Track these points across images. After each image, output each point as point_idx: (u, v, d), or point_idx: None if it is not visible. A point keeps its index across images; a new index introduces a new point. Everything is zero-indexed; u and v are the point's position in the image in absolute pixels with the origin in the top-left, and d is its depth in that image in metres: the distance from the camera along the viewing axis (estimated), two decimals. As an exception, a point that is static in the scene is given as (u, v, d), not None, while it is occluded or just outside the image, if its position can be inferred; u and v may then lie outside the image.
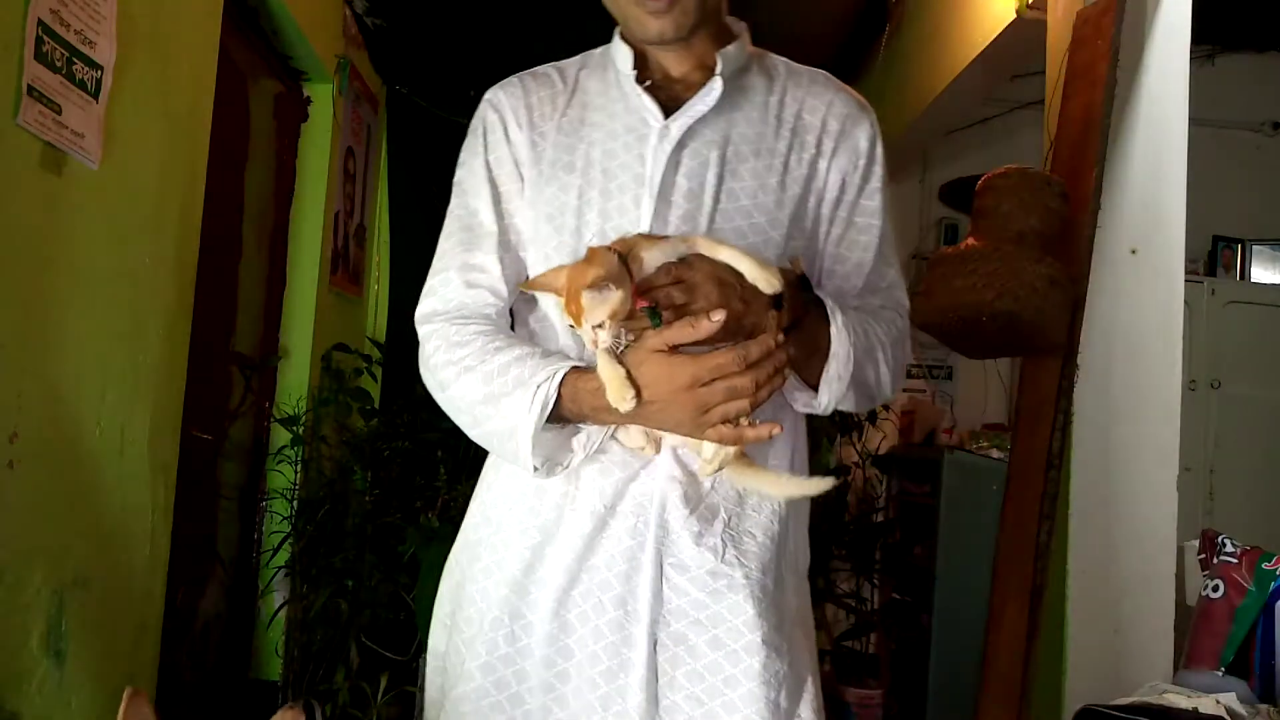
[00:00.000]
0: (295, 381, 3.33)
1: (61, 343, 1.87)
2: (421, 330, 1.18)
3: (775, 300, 1.01)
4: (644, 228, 1.10)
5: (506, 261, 1.16)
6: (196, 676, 2.90)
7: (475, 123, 1.24)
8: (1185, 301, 1.92)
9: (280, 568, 3.15)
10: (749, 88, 1.18)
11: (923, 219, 4.55)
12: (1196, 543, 1.84)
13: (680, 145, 1.13)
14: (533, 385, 1.03)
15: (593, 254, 0.98)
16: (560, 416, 1.05)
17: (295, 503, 3.18)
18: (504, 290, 1.15)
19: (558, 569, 1.10)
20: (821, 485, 1.06)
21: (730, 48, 1.17)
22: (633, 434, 1.08)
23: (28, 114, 1.68)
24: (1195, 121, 1.97)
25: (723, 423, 0.98)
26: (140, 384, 2.17)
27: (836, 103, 1.21)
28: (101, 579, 2.03)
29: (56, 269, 1.84)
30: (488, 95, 1.24)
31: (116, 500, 2.10)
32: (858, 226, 1.20)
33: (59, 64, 1.77)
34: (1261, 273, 4.37)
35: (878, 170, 1.22)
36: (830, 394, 1.10)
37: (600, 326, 0.96)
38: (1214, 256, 4.33)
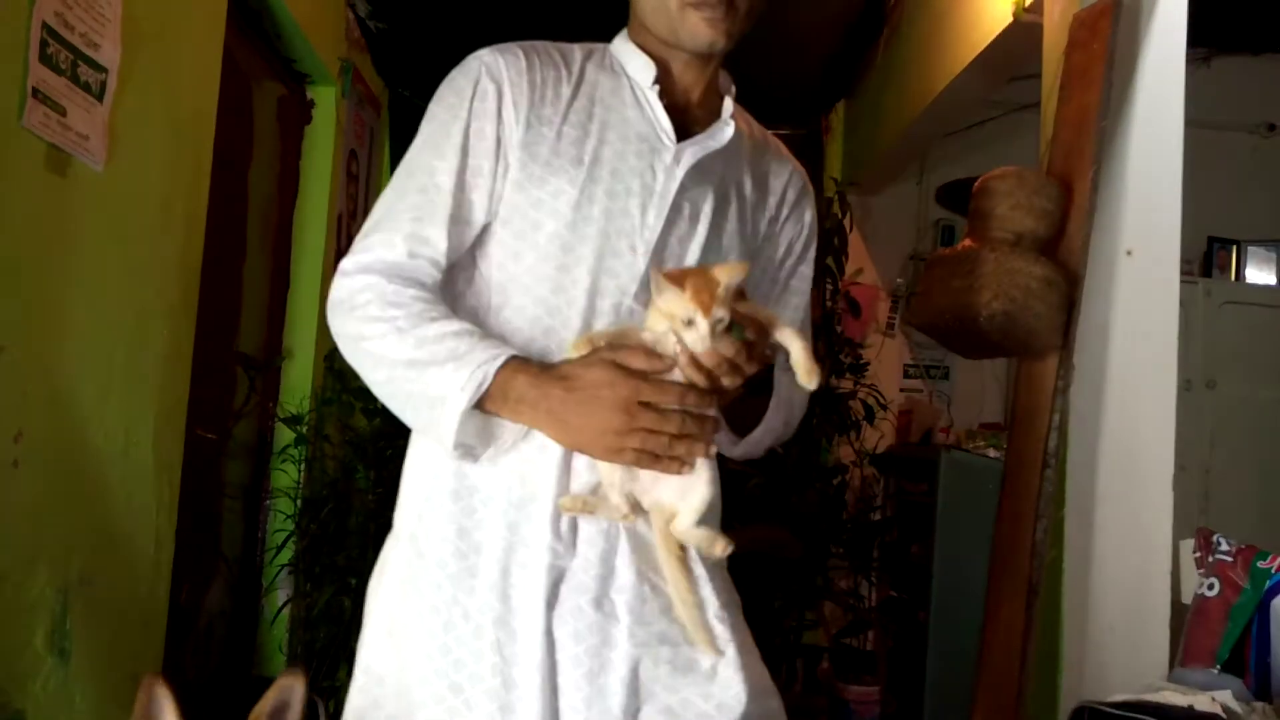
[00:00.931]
0: (299, 381, 3.35)
1: (66, 343, 1.88)
2: (351, 279, 1.16)
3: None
4: (652, 237, 1.12)
5: (454, 235, 1.12)
6: (200, 674, 2.91)
7: (462, 81, 1.15)
8: (1181, 302, 1.93)
9: (284, 566, 3.17)
10: (738, 136, 1.20)
11: (920, 220, 4.56)
12: (1192, 541, 1.85)
13: (688, 171, 1.15)
14: (472, 363, 1.02)
15: (708, 271, 1.03)
16: (481, 403, 1.03)
17: (299, 501, 3.19)
18: (444, 264, 1.12)
19: (538, 572, 1.07)
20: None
21: (728, 96, 1.22)
22: (612, 501, 1.08)
23: (33, 116, 1.70)
24: (1191, 123, 1.98)
25: (635, 455, 1.02)
26: (145, 384, 2.19)
27: (794, 178, 1.29)
28: (106, 577, 2.05)
29: (61, 270, 1.85)
30: (484, 57, 1.16)
31: (121, 499, 2.12)
32: (791, 289, 1.29)
33: (64, 66, 1.78)
34: (1257, 274, 4.38)
35: (813, 244, 1.31)
36: (747, 449, 1.24)
37: (719, 322, 1.00)
38: (1209, 258, 4.34)
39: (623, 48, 1.21)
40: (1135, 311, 1.91)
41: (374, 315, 1.10)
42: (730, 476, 3.87)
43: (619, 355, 1.03)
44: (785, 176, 1.27)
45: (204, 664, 2.94)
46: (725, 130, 1.17)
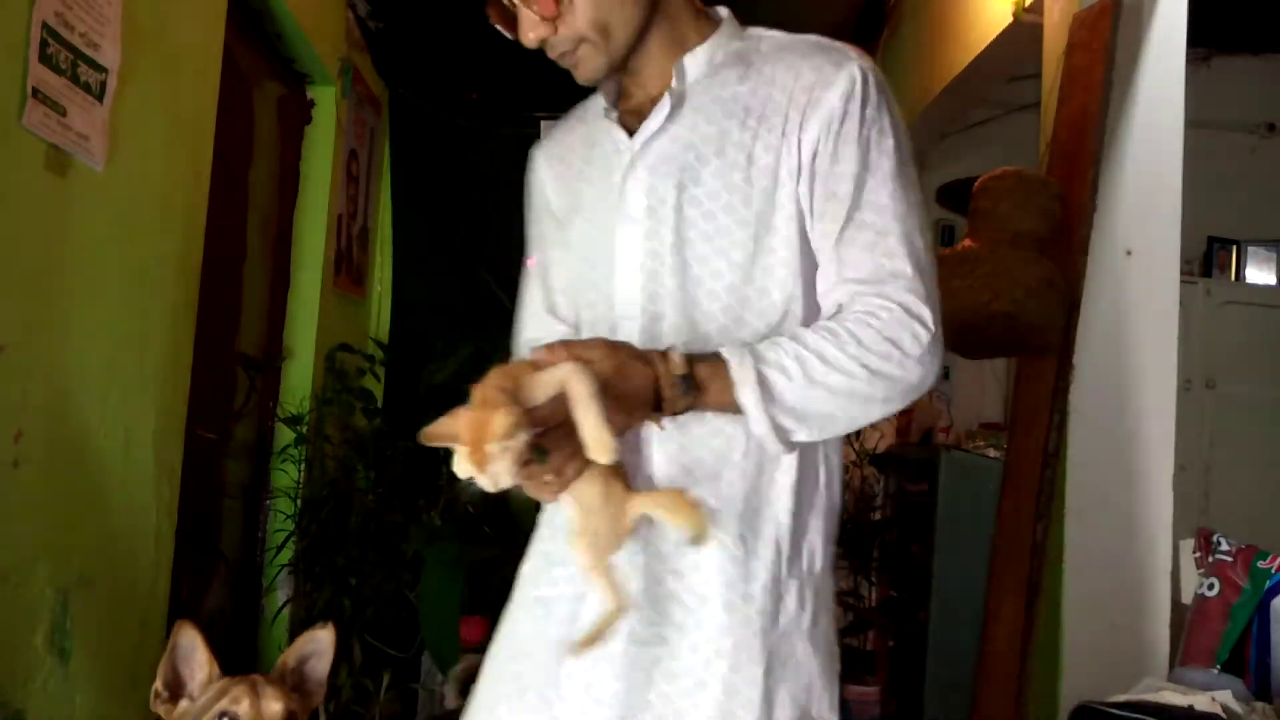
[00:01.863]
0: (299, 381, 3.35)
1: (66, 343, 1.88)
2: None
3: (656, 400, 0.98)
4: (618, 253, 1.11)
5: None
6: (199, 674, 2.91)
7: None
8: (1180, 302, 1.93)
9: (284, 566, 3.17)
10: (720, 82, 1.11)
11: (921, 220, 4.56)
12: (1192, 541, 1.85)
13: (642, 163, 1.11)
14: None
15: (483, 396, 0.98)
16: None
17: (299, 501, 3.20)
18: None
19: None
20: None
21: (697, 50, 1.12)
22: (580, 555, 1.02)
23: (32, 116, 1.70)
24: (1191, 123, 1.98)
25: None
26: (145, 384, 2.19)
27: (806, 70, 1.08)
28: (106, 577, 2.05)
29: (61, 270, 1.85)
30: (532, 156, 1.33)
31: (121, 499, 2.12)
32: (840, 181, 1.05)
33: (64, 66, 1.78)
34: (1256, 273, 4.38)
35: (853, 127, 1.05)
36: (773, 439, 1.01)
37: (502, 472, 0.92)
38: (1209, 257, 4.34)
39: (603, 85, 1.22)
40: (1135, 311, 1.91)
41: None
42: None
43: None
44: (791, 81, 1.08)
45: (204, 664, 2.94)
46: (662, 109, 1.10)
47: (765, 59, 1.12)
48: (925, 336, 1.04)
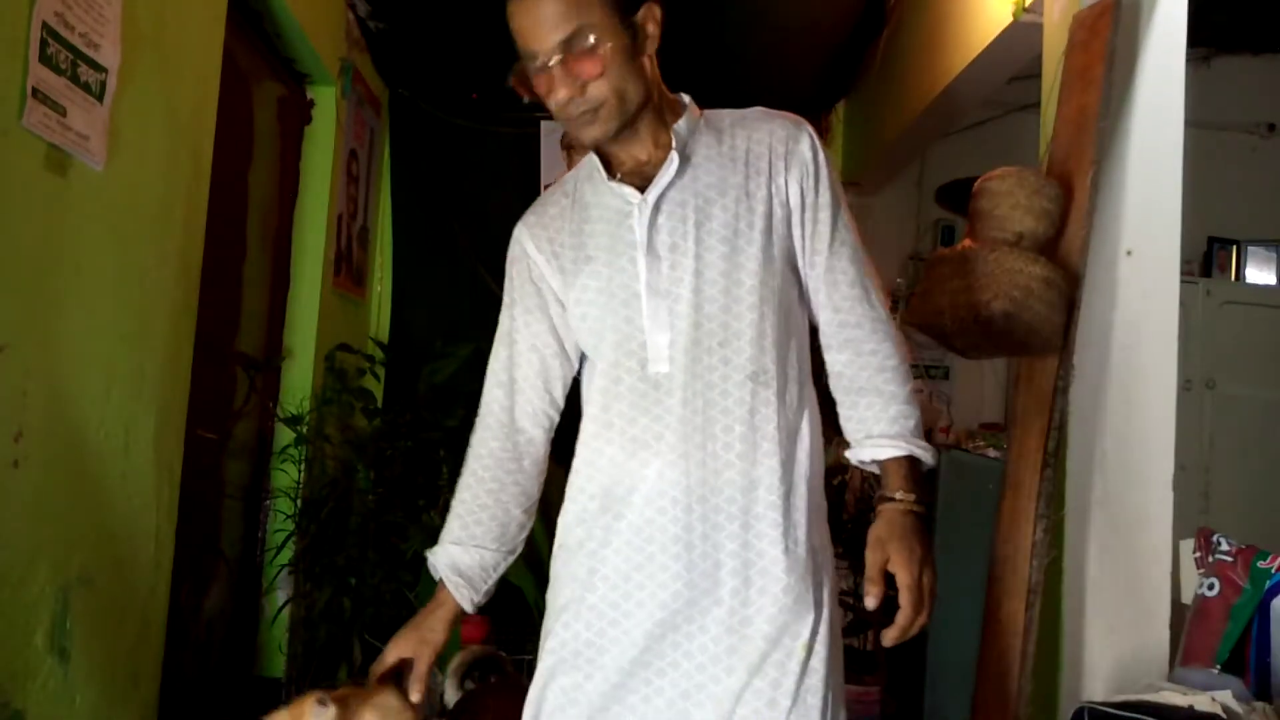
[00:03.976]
0: (299, 381, 3.35)
1: (66, 342, 1.88)
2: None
3: None
4: (641, 284, 1.36)
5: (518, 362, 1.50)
6: (200, 674, 2.92)
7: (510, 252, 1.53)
8: (1181, 302, 1.93)
9: (284, 566, 3.17)
10: (704, 144, 1.41)
11: (920, 220, 4.57)
12: (1192, 541, 1.86)
13: (657, 211, 1.37)
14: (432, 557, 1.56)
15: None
16: None
17: (299, 501, 3.20)
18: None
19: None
20: None
21: (680, 123, 1.40)
22: None
23: (32, 116, 1.70)
24: (1191, 123, 1.98)
25: None
26: (145, 383, 2.19)
27: (776, 128, 1.41)
28: (106, 577, 2.05)
29: (61, 270, 1.85)
30: (515, 233, 1.52)
31: (121, 499, 2.12)
32: (820, 221, 1.40)
33: (64, 66, 1.78)
34: (1256, 273, 4.38)
35: (823, 174, 1.41)
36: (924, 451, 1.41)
37: None
38: (1209, 257, 4.34)
39: (590, 157, 1.46)
40: (1135, 311, 1.91)
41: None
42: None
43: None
44: (767, 136, 1.40)
45: (204, 664, 2.94)
46: (670, 163, 1.37)
47: (733, 126, 1.43)
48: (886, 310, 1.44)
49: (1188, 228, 1.94)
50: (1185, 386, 2.10)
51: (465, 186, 4.20)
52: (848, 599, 3.67)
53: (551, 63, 1.31)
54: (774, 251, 1.37)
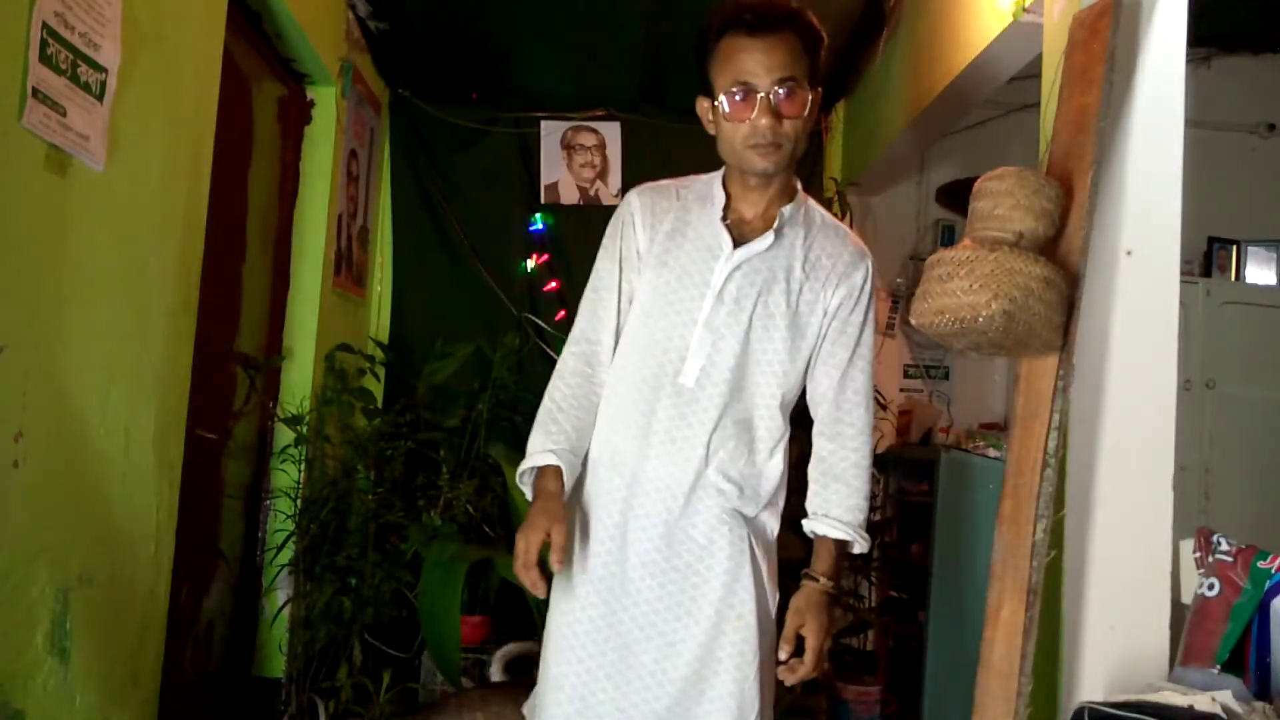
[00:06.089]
0: (299, 381, 3.35)
1: (66, 343, 1.88)
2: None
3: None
4: (704, 318, 1.67)
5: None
6: (200, 674, 2.92)
7: (616, 213, 1.81)
8: (1181, 302, 1.92)
9: (284, 566, 3.17)
10: (794, 232, 1.72)
11: (920, 221, 4.57)
12: (1192, 541, 1.85)
13: (737, 267, 1.68)
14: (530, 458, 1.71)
15: None
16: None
17: (299, 501, 3.20)
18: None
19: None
20: None
21: (789, 207, 1.71)
22: None
23: (32, 116, 1.70)
24: (1191, 123, 1.98)
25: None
26: (145, 384, 2.19)
27: (845, 253, 1.75)
28: (106, 577, 2.05)
29: (61, 270, 1.85)
30: (629, 197, 1.80)
31: (121, 499, 2.12)
32: (847, 334, 1.74)
33: (64, 66, 1.78)
34: (1256, 273, 4.38)
35: (865, 300, 1.75)
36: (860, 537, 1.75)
37: None
38: (1209, 257, 4.34)
39: (713, 182, 1.76)
40: (1135, 311, 1.90)
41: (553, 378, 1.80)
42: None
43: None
44: (836, 255, 1.73)
45: (203, 664, 2.94)
46: (766, 239, 1.68)
47: (819, 229, 1.75)
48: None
49: (1188, 228, 1.94)
50: (1185, 386, 2.10)
51: (465, 186, 4.20)
52: (848, 599, 3.68)
53: (768, 94, 1.61)
54: (800, 346, 1.71)
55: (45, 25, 1.71)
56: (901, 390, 4.47)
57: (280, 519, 3.20)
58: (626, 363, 1.73)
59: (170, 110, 2.24)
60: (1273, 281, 4.36)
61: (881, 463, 4.05)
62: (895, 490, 4.15)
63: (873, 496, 4.06)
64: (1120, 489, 1.87)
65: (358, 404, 3.46)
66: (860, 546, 1.74)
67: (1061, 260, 1.82)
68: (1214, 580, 1.78)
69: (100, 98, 1.91)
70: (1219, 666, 1.71)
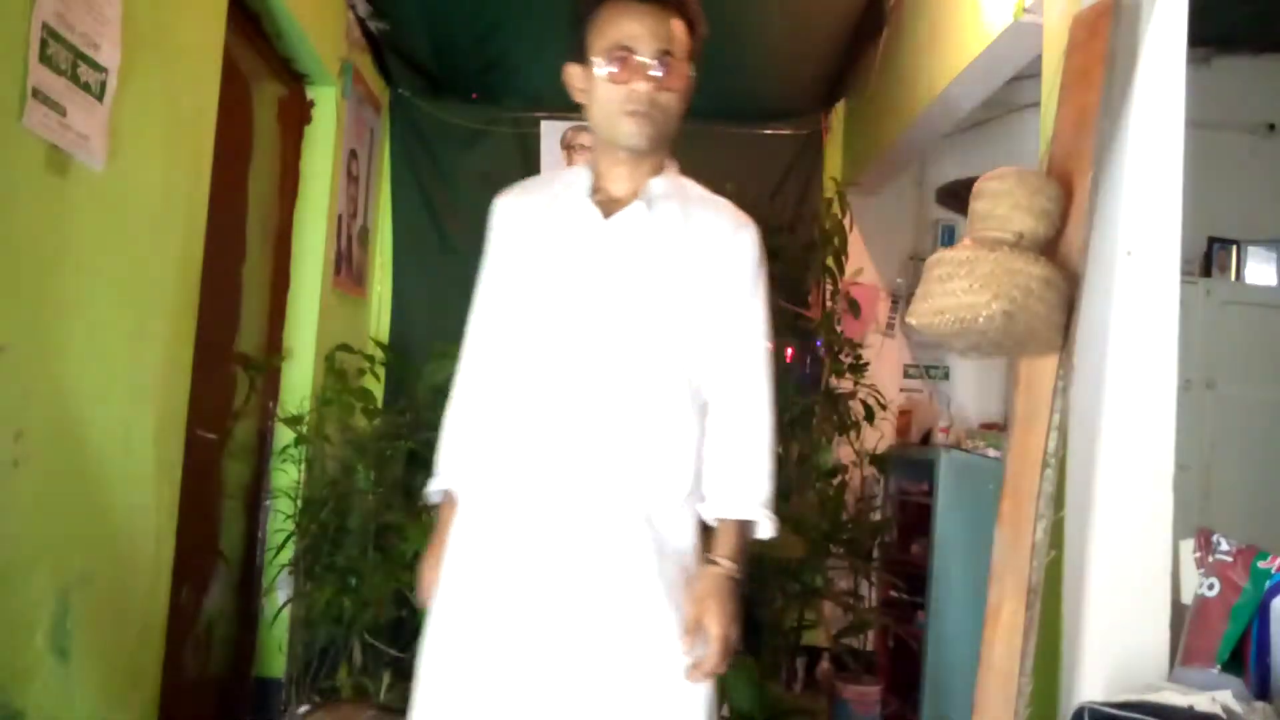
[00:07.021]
0: (299, 381, 3.35)
1: (66, 343, 1.88)
2: None
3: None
4: (587, 296, 1.58)
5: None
6: (200, 674, 2.92)
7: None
8: (1181, 302, 1.92)
9: (284, 566, 3.17)
10: (669, 205, 1.63)
11: (920, 220, 4.57)
12: (1192, 541, 1.85)
13: (614, 239, 1.60)
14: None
15: None
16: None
17: (299, 501, 3.20)
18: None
19: None
20: None
21: (658, 179, 1.63)
22: None
23: (33, 116, 1.70)
24: (1191, 123, 1.98)
25: None
26: (145, 383, 2.19)
27: (725, 224, 1.67)
28: (106, 577, 2.05)
29: (62, 270, 1.85)
30: (496, 202, 1.73)
31: (121, 499, 2.12)
32: (736, 306, 1.65)
33: (64, 67, 1.78)
34: (1257, 274, 4.38)
35: (751, 269, 1.66)
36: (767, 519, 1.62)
37: None
38: (1210, 258, 4.34)
39: (582, 168, 1.67)
40: (1135, 311, 1.90)
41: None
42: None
43: None
44: (719, 224, 1.66)
45: (203, 664, 2.94)
46: (635, 210, 1.60)
47: (696, 202, 1.67)
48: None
49: (1188, 228, 1.94)
50: (1185, 386, 2.10)
51: (465, 186, 4.20)
52: (848, 599, 3.68)
53: (650, 59, 1.54)
54: (690, 320, 1.61)
55: (45, 25, 1.71)
56: (901, 390, 4.47)
57: (280, 519, 3.20)
58: (514, 366, 1.64)
59: (170, 110, 2.24)
60: (1273, 281, 4.36)
61: (881, 463, 4.05)
62: (895, 490, 4.15)
63: (872, 496, 4.11)
64: (1120, 489, 1.87)
65: (358, 404, 3.46)
66: (767, 529, 1.61)
67: (1061, 260, 1.82)
68: (1214, 580, 1.78)
69: (100, 98, 1.91)
70: (1219, 666, 1.71)
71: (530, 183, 1.77)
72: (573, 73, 1.63)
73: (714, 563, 1.57)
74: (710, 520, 1.61)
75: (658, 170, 1.65)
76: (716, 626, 1.51)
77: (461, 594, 1.57)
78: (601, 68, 1.57)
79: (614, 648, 1.51)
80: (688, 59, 1.60)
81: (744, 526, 1.60)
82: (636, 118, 1.56)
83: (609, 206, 1.62)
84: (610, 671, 1.50)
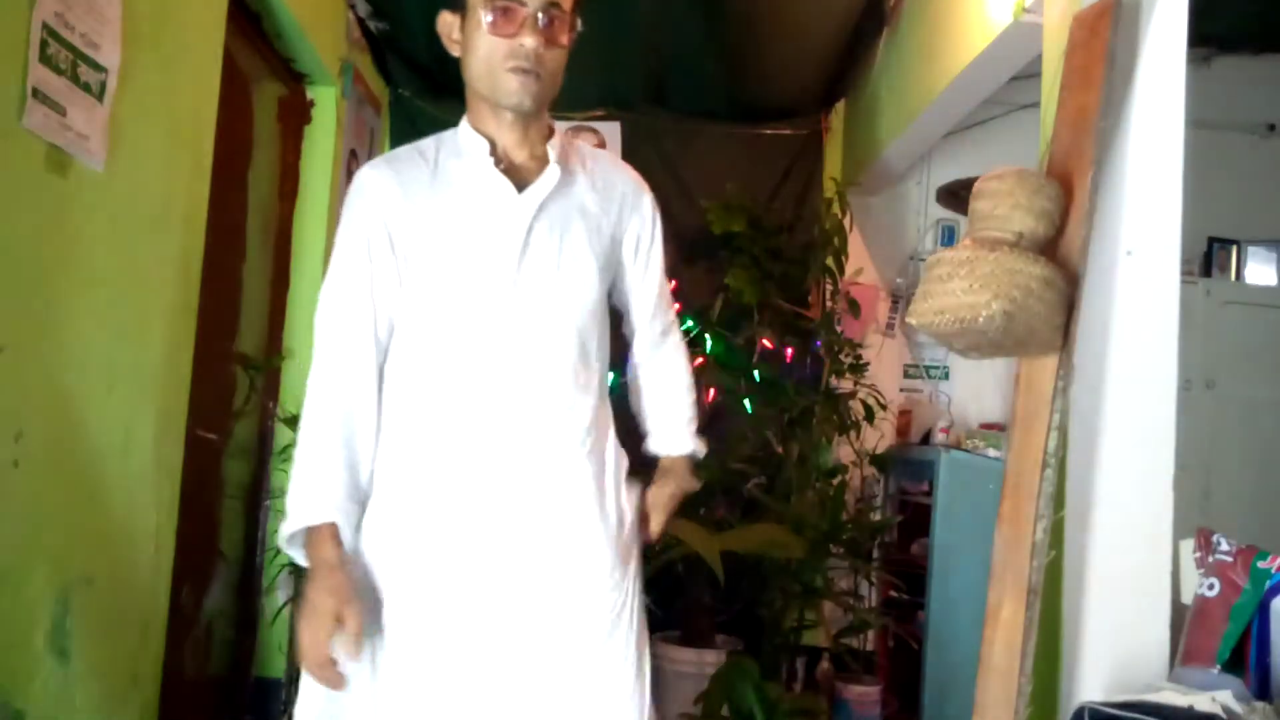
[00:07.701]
0: (299, 381, 3.31)
1: (66, 343, 1.88)
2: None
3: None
4: (503, 272, 1.48)
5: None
6: (200, 674, 2.92)
7: (349, 199, 1.54)
8: (1181, 302, 1.93)
9: (284, 566, 3.16)
10: (572, 167, 1.58)
11: (920, 221, 4.57)
12: (1192, 541, 1.86)
13: (531, 212, 1.50)
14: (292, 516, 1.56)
15: None
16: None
17: (298, 502, 3.19)
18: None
19: None
20: None
21: (556, 140, 1.56)
22: None
23: (33, 116, 1.70)
24: (1191, 123, 1.98)
25: None
26: (145, 384, 2.19)
27: (628, 183, 1.65)
28: (106, 577, 2.05)
29: (62, 270, 1.85)
30: (362, 173, 1.56)
31: (121, 499, 2.12)
32: (650, 260, 1.67)
33: (64, 67, 1.78)
34: (1257, 274, 4.38)
35: (656, 224, 1.68)
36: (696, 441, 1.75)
37: None
38: (1209, 258, 4.34)
39: (466, 131, 1.58)
40: (1135, 311, 1.90)
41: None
42: (731, 476, 3.85)
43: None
44: (620, 184, 1.63)
45: (204, 664, 2.94)
46: (553, 176, 1.52)
47: (593, 162, 1.63)
48: None
49: (1188, 228, 1.94)
50: (1185, 386, 2.10)
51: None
52: (848, 599, 3.68)
53: (535, 14, 1.44)
54: (605, 277, 1.60)
55: (45, 25, 1.71)
56: (901, 390, 4.47)
57: (280, 519, 3.20)
58: (420, 356, 1.50)
59: (170, 110, 2.24)
60: (1273, 281, 4.36)
61: (881, 463, 4.05)
62: (895, 490, 4.15)
63: (872, 496, 4.10)
64: (1120, 489, 1.87)
65: (357, 404, 3.45)
66: (701, 452, 1.75)
67: (1061, 260, 1.82)
68: (1214, 580, 1.79)
69: (100, 98, 1.91)
70: (1219, 666, 1.71)
71: (400, 152, 1.60)
72: (447, 20, 1.53)
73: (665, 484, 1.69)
74: (659, 455, 1.74)
75: (550, 133, 1.57)
76: (671, 491, 1.67)
77: (426, 598, 1.46)
78: (484, 15, 1.45)
79: (560, 603, 1.48)
80: (571, 18, 1.49)
81: (690, 459, 1.75)
82: (521, 75, 1.46)
83: (514, 175, 1.52)
84: (557, 629, 1.47)
